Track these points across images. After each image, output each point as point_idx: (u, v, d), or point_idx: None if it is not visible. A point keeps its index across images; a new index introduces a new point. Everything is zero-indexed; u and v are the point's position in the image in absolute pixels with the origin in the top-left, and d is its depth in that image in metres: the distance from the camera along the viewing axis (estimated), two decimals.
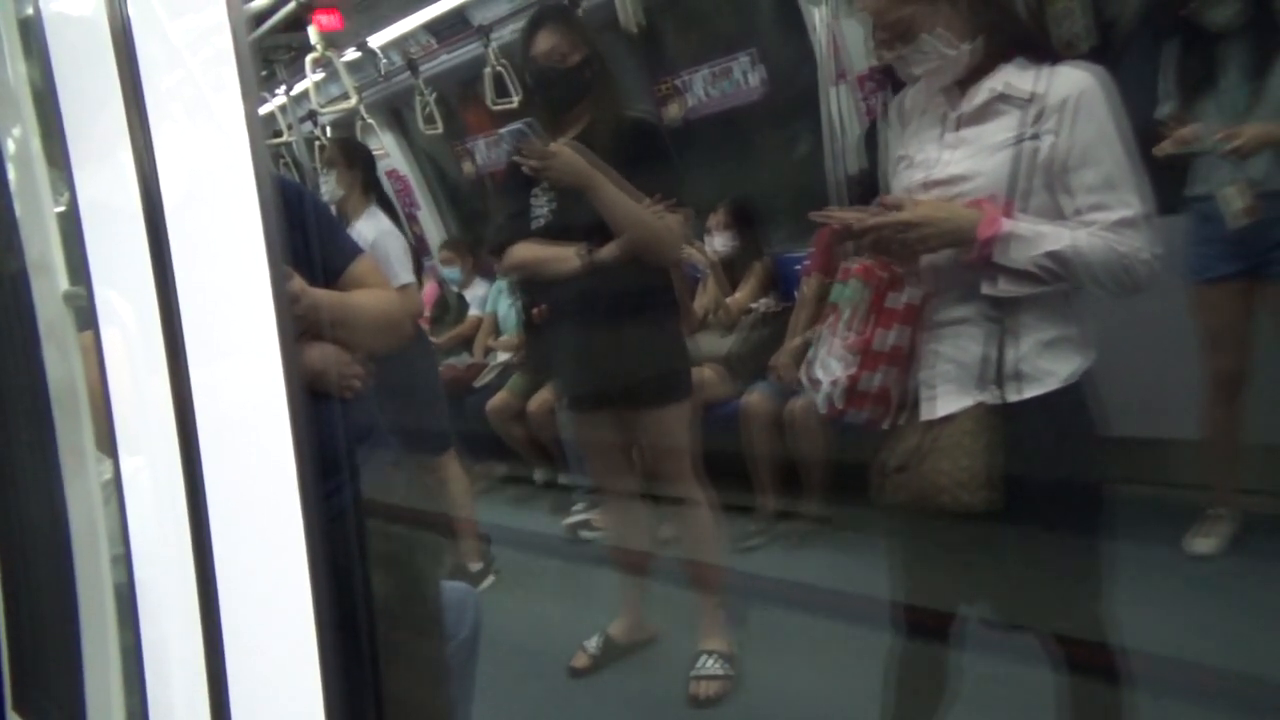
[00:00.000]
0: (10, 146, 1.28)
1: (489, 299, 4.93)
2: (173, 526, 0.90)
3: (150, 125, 0.88)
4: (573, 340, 2.43)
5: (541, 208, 2.36)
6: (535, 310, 2.44)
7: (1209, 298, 2.54)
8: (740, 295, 3.71)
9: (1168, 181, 2.48)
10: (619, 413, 2.48)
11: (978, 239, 1.40)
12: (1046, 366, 1.45)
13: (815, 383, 1.57)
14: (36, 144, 1.26)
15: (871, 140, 3.46)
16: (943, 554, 1.60)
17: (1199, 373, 2.57)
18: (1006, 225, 1.40)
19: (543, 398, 4.05)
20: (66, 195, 0.99)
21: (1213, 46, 2.44)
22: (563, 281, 2.32)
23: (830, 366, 1.54)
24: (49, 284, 1.23)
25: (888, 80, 3.21)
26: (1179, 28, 2.52)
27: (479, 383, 4.61)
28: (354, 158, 3.30)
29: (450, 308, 5.13)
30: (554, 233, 2.33)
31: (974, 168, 1.46)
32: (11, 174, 1.25)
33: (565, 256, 2.29)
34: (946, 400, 1.49)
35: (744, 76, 4.17)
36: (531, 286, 2.48)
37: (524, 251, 2.38)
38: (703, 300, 3.75)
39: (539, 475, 4.36)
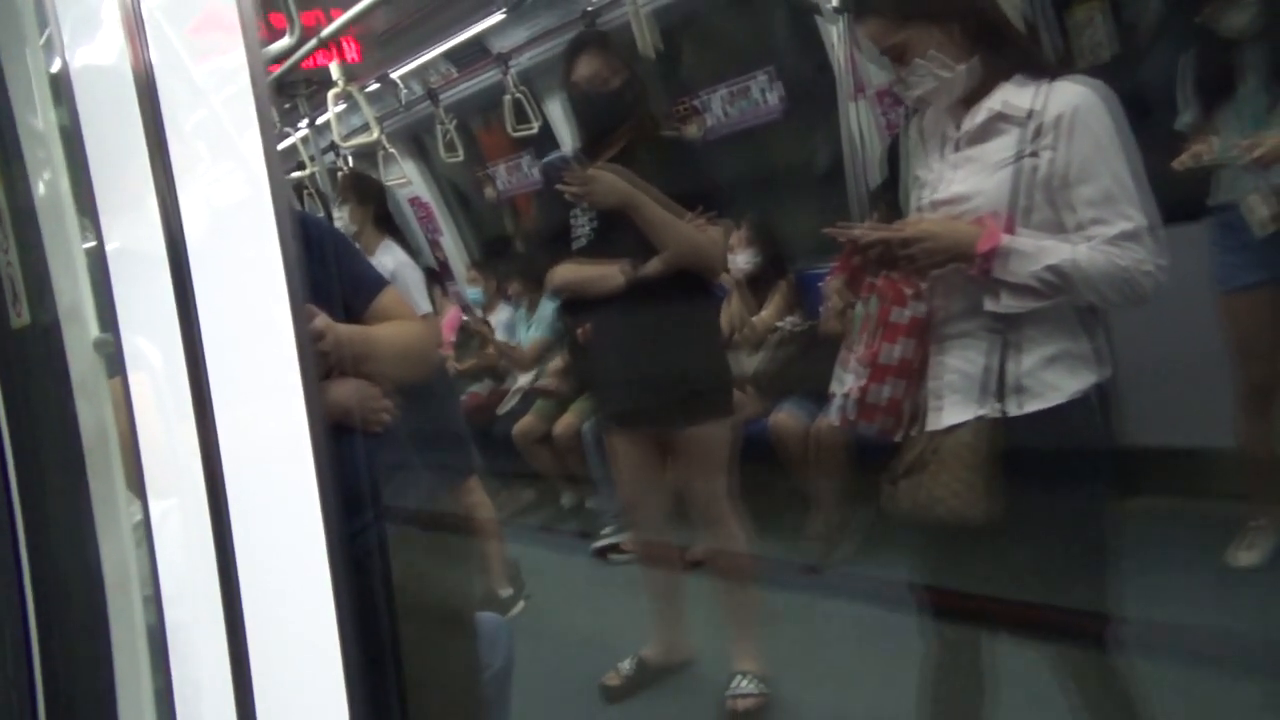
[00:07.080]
0: (42, 194, 1.31)
1: (513, 325, 4.95)
2: (202, 567, 0.90)
3: (174, 171, 0.89)
4: (618, 358, 2.44)
5: (582, 228, 2.39)
6: (580, 330, 2.47)
7: (1236, 306, 2.50)
8: (766, 314, 3.69)
9: (1191, 189, 2.46)
10: (663, 430, 2.47)
11: (977, 253, 1.42)
12: (1050, 381, 1.46)
13: (833, 396, 1.61)
14: (67, 192, 1.28)
15: (893, 156, 3.44)
16: (938, 565, 1.63)
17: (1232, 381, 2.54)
18: (1005, 240, 1.42)
19: (568, 421, 4.06)
20: (95, 243, 1.01)
21: (1229, 54, 2.41)
22: (607, 300, 2.34)
23: (844, 379, 1.58)
24: (80, 332, 1.25)
25: None
26: (1195, 35, 2.49)
27: (502, 409, 4.63)
28: (365, 193, 3.32)
29: (474, 334, 5.15)
30: (595, 252, 2.36)
31: (975, 186, 1.48)
32: (44, 223, 1.28)
33: (609, 274, 2.32)
34: (951, 411, 1.51)
35: (762, 95, 4.18)
36: (574, 307, 2.50)
37: (567, 272, 2.41)
38: (725, 318, 3.74)
39: (566, 499, 4.36)
